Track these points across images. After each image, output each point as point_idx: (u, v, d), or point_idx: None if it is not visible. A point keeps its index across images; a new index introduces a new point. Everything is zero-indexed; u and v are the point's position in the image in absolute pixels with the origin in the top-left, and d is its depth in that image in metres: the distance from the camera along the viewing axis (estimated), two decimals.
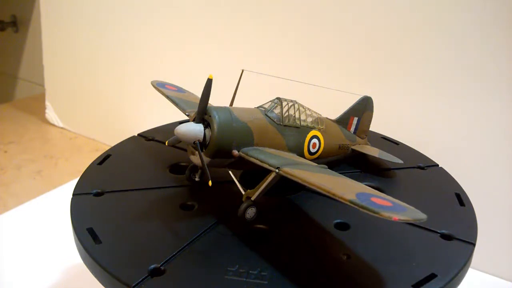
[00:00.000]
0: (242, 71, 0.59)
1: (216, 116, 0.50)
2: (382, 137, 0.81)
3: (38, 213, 1.01)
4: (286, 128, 0.57)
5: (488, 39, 0.80)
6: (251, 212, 0.52)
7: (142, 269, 0.46)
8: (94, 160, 0.68)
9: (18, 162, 1.26)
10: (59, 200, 1.04)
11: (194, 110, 0.56)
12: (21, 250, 0.88)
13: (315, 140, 0.61)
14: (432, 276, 0.47)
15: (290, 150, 0.57)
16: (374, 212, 0.38)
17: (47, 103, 1.48)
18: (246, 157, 0.51)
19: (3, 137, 1.40)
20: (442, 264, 0.49)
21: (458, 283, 0.49)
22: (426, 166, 0.71)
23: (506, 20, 0.77)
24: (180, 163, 0.68)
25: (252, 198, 0.52)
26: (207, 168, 0.50)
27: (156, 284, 0.44)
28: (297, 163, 0.51)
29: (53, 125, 1.48)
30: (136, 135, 0.77)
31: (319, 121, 0.62)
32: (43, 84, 1.48)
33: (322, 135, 0.62)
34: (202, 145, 0.50)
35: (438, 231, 0.54)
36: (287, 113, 0.57)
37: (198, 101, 0.51)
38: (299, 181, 0.46)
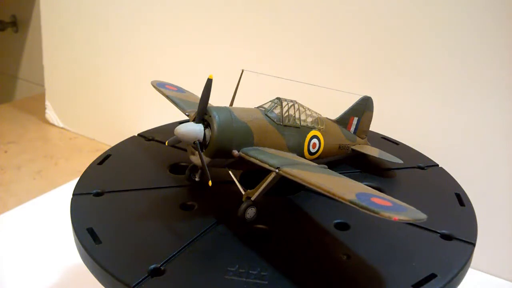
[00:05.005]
0: (242, 71, 0.59)
1: (216, 116, 0.50)
2: (382, 137, 0.81)
3: (38, 213, 1.01)
4: (286, 128, 0.57)
5: (488, 39, 0.80)
6: (251, 212, 0.52)
7: (142, 269, 0.46)
8: (94, 160, 0.68)
9: (18, 162, 1.26)
10: (59, 200, 1.04)
11: (194, 110, 0.56)
12: (21, 250, 0.88)
13: (315, 140, 0.61)
14: (432, 276, 0.47)
15: (290, 150, 0.57)
16: (374, 212, 0.38)
17: (47, 103, 1.48)
18: (246, 157, 0.51)
19: (3, 137, 1.39)
20: (442, 264, 0.49)
21: (458, 283, 0.49)
22: (426, 166, 0.71)
23: (506, 20, 0.77)
24: (180, 163, 0.68)
25: (252, 198, 0.52)
26: (207, 168, 0.50)
27: (156, 284, 0.44)
28: (297, 163, 0.51)
29: (53, 125, 1.48)
30: (136, 135, 0.77)
31: (319, 121, 0.62)
32: (43, 84, 1.48)
33: (322, 135, 0.62)
34: (202, 145, 0.50)
35: (438, 231, 0.54)
36: (287, 113, 0.57)
37: (198, 101, 0.51)
38: (299, 181, 0.46)
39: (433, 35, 0.85)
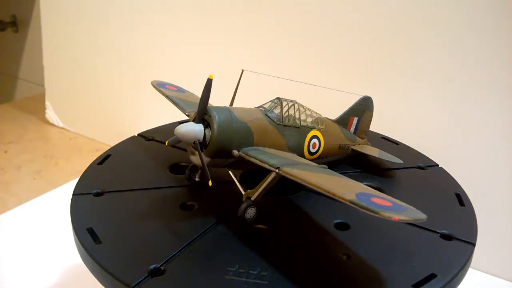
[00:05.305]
0: (242, 71, 0.59)
1: (216, 116, 0.50)
2: (382, 137, 0.81)
3: (38, 213, 1.01)
4: (286, 128, 0.57)
5: (488, 39, 0.80)
6: (251, 212, 0.52)
7: (142, 269, 0.46)
8: (94, 160, 0.68)
9: (18, 162, 1.26)
10: (59, 200, 1.04)
11: (194, 110, 0.56)
12: (21, 250, 0.88)
13: (315, 140, 0.61)
14: (432, 276, 0.47)
15: (290, 150, 0.57)
16: (374, 212, 0.38)
17: (47, 103, 1.48)
18: (246, 157, 0.51)
19: (3, 137, 1.39)
20: (442, 264, 0.49)
21: (458, 283, 0.49)
22: (426, 166, 0.71)
23: (506, 20, 0.77)
24: (180, 163, 0.68)
25: (252, 198, 0.52)
26: (207, 168, 0.50)
27: (156, 284, 0.44)
28: (297, 163, 0.51)
29: (53, 125, 1.48)
30: (136, 135, 0.77)
31: (319, 121, 0.62)
32: (43, 84, 1.48)
33: (322, 135, 0.62)
34: (202, 145, 0.50)
35: (438, 231, 0.54)
36: (287, 113, 0.57)
37: (198, 101, 0.51)
38: (299, 181, 0.46)
39: (433, 35, 0.85)
